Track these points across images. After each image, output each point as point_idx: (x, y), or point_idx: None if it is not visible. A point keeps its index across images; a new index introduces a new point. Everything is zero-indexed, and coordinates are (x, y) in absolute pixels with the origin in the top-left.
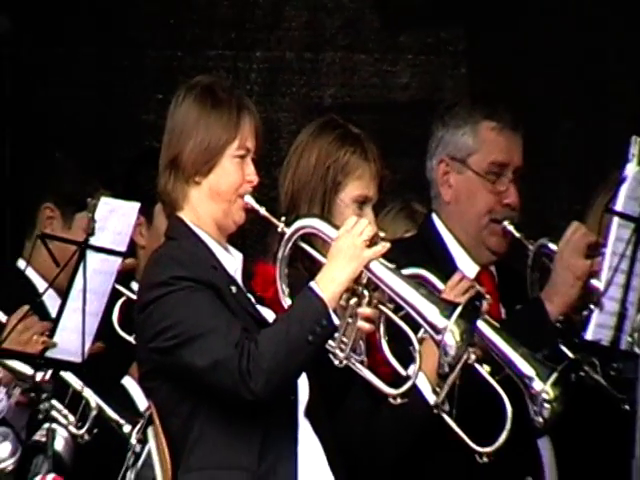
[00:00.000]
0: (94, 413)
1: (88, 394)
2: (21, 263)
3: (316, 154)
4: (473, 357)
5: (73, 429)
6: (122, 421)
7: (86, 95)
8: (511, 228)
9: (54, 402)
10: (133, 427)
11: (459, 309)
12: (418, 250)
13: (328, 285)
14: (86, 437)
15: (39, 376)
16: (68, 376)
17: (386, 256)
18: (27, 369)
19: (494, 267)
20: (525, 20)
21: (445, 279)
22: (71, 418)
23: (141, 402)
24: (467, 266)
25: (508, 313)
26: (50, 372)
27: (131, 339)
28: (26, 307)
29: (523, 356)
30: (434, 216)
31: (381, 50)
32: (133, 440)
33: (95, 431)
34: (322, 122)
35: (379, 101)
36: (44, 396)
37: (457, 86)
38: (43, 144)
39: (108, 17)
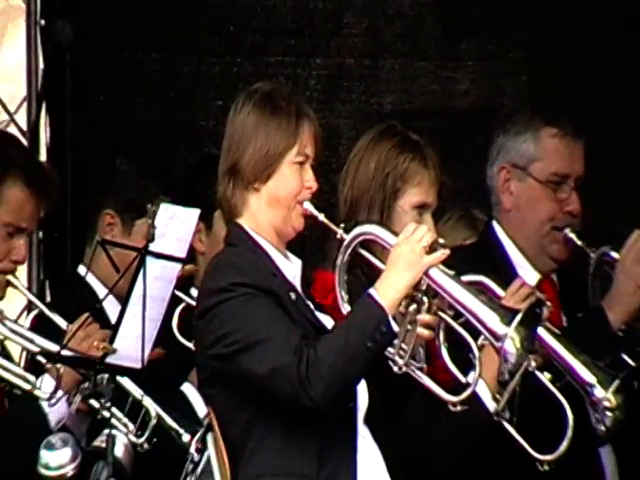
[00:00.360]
0: (153, 422)
1: (148, 403)
2: (81, 269)
3: (375, 161)
4: (534, 364)
5: (133, 438)
6: (181, 430)
7: (146, 101)
8: (573, 236)
9: (114, 410)
10: (192, 436)
11: (519, 316)
12: (478, 257)
13: (387, 292)
14: (145, 446)
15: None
16: (128, 384)
17: (446, 263)
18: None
19: (555, 275)
20: (586, 26)
21: (505, 286)
22: (131, 427)
23: (200, 409)
24: (528, 274)
25: (569, 321)
26: (107, 376)
27: (191, 345)
28: (86, 314)
29: (584, 363)
30: (495, 223)
31: (441, 57)
32: (192, 449)
33: (154, 440)
34: (381, 129)
35: (439, 108)
36: (104, 400)
37: (517, 93)
38: (104, 150)
39: (169, 24)
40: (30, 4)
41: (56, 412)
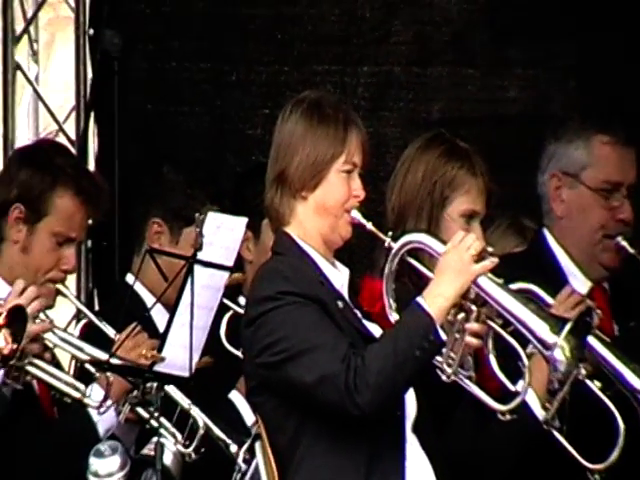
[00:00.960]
0: (201, 432)
1: (196, 413)
2: (130, 278)
3: (423, 169)
4: (583, 372)
5: (181, 448)
6: (229, 440)
7: (194, 110)
8: (625, 244)
9: (162, 420)
10: (240, 447)
11: (569, 325)
12: (528, 265)
13: (435, 300)
14: (193, 456)
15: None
16: (176, 394)
17: (495, 271)
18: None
19: (607, 283)
20: (635, 33)
21: (556, 294)
22: (179, 436)
23: (248, 416)
24: (579, 282)
25: (621, 329)
26: (155, 385)
27: (238, 353)
28: (134, 324)
29: (635, 371)
30: (545, 231)
31: (489, 64)
32: (239, 460)
33: (202, 450)
34: (429, 137)
35: (487, 115)
36: (153, 409)
37: (566, 100)
38: (151, 159)
39: (216, 33)
40: (79, 14)
41: (105, 421)
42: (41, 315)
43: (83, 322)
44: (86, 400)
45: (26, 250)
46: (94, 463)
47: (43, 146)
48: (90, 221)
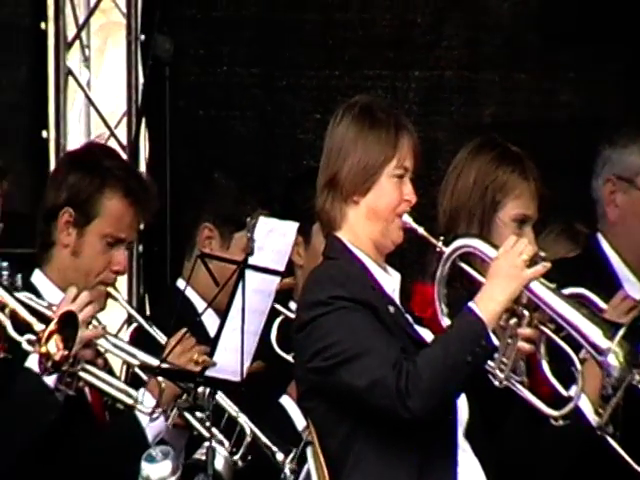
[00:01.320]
0: (248, 440)
1: (243, 420)
2: (181, 283)
3: (475, 173)
4: (637, 378)
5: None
6: (275, 448)
7: (244, 115)
8: None
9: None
10: (286, 455)
11: (623, 330)
12: (582, 270)
13: (487, 305)
14: (240, 463)
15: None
16: (224, 401)
17: (547, 276)
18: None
19: None
20: None
21: (608, 299)
22: (226, 444)
23: (299, 421)
24: (634, 287)
25: None
26: (208, 391)
27: (289, 358)
28: (184, 330)
29: None
30: (599, 236)
31: (541, 68)
32: (286, 469)
33: (249, 458)
34: (481, 141)
35: (539, 120)
36: (206, 415)
37: (619, 104)
38: (202, 164)
39: (267, 38)
40: (130, 20)
41: (153, 427)
42: (94, 321)
43: (133, 327)
44: (139, 407)
45: (76, 253)
46: (146, 468)
47: (91, 149)
48: (142, 226)
